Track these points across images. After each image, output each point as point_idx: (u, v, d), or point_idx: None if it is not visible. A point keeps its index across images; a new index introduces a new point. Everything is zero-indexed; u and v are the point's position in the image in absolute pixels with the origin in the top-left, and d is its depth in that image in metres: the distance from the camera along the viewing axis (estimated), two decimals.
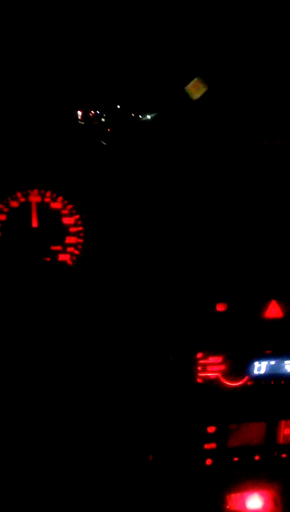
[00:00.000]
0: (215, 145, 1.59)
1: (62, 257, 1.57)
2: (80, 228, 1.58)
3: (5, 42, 1.43)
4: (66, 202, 1.56)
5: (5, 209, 1.53)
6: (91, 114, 1.70)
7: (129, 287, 1.43)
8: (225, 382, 1.39)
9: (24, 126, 1.57)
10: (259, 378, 1.41)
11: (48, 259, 1.51)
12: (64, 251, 1.58)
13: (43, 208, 1.54)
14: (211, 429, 1.41)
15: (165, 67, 1.58)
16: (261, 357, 1.40)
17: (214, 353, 1.38)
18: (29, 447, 1.33)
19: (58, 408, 1.34)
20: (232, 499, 1.48)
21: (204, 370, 1.38)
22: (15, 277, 1.49)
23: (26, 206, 1.54)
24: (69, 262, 1.57)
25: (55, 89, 1.58)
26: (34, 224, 1.52)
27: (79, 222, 1.58)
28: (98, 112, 1.68)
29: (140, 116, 1.69)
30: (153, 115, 1.67)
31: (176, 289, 1.41)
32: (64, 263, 1.53)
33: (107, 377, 1.38)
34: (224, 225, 1.53)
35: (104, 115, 1.69)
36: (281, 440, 1.47)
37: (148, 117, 1.69)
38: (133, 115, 1.70)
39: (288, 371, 1.42)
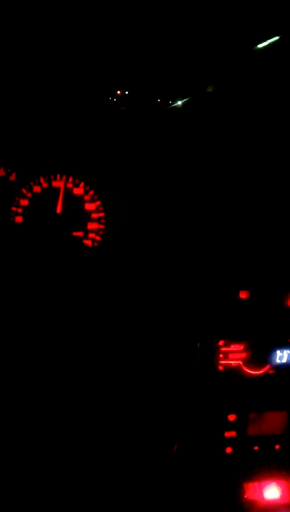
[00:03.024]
0: (243, 135, 1.58)
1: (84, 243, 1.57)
2: (102, 214, 1.57)
3: (39, 27, 1.43)
4: (88, 188, 1.56)
5: (28, 194, 1.53)
6: (117, 98, 1.70)
7: (151, 274, 1.43)
8: (247, 371, 1.38)
9: (48, 112, 1.57)
10: (281, 367, 1.40)
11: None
12: (85, 237, 1.58)
13: (66, 194, 1.54)
14: (231, 417, 1.40)
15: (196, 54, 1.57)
16: (283, 345, 1.38)
17: (236, 340, 1.36)
18: (53, 437, 1.33)
19: (83, 395, 1.34)
20: (250, 488, 1.48)
21: (226, 357, 1.37)
22: (37, 261, 1.50)
23: (49, 191, 1.54)
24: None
25: (84, 74, 1.57)
26: (59, 210, 1.52)
27: (101, 208, 1.57)
28: (125, 93, 1.67)
29: (170, 102, 1.67)
30: (183, 101, 1.66)
31: (198, 276, 1.40)
32: (87, 246, 1.53)
33: (128, 364, 1.38)
34: (248, 213, 1.51)
35: (131, 99, 1.68)
36: None
37: (179, 103, 1.67)
38: (160, 100, 1.69)
39: None
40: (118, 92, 1.65)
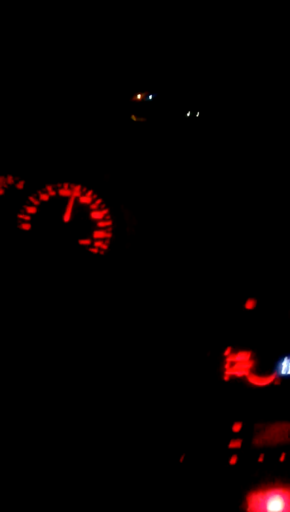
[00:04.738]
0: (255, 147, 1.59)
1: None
2: (109, 223, 1.58)
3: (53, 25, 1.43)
4: (95, 196, 1.56)
5: (36, 202, 1.54)
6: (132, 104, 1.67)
7: (158, 283, 1.43)
8: (252, 382, 1.38)
9: (54, 120, 1.58)
10: (287, 377, 1.40)
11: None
12: (92, 245, 1.58)
13: (74, 202, 1.55)
14: (236, 427, 1.40)
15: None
16: None
17: (242, 350, 1.37)
18: (53, 441, 1.33)
19: (87, 403, 1.34)
20: (253, 500, 1.47)
21: (232, 367, 1.37)
22: (44, 268, 1.50)
23: (56, 200, 1.55)
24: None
25: (99, 80, 1.58)
26: (67, 218, 1.53)
27: (108, 217, 1.58)
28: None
29: (188, 113, 1.67)
30: (198, 112, 1.66)
31: (205, 285, 1.40)
32: (96, 254, 1.53)
33: (133, 373, 1.38)
34: (257, 224, 1.52)
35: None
36: None
37: (194, 113, 1.68)
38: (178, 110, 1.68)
39: None
40: (138, 96, 1.64)
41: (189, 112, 1.68)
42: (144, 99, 1.66)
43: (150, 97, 1.67)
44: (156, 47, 1.57)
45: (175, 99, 1.68)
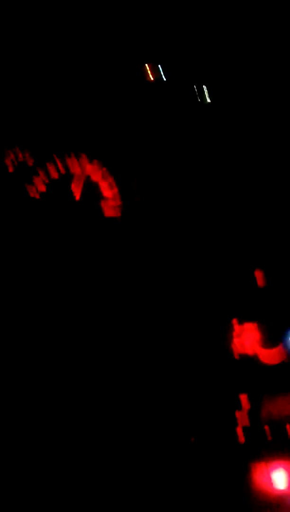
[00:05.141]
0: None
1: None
2: (119, 202, 1.58)
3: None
4: (106, 174, 1.56)
5: (46, 180, 1.54)
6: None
7: (166, 258, 1.43)
8: (263, 360, 1.37)
9: (68, 97, 1.57)
10: None
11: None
12: (102, 225, 1.58)
13: (84, 180, 1.54)
14: (244, 400, 1.40)
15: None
16: None
17: (249, 320, 1.36)
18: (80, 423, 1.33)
19: (100, 382, 1.34)
20: (258, 471, 1.47)
21: (241, 345, 1.37)
22: (55, 247, 1.50)
23: (67, 177, 1.55)
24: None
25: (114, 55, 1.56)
26: (78, 196, 1.52)
27: (118, 195, 1.58)
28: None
29: (201, 98, 1.66)
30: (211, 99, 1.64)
31: (213, 258, 1.40)
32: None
33: (143, 351, 1.38)
34: (263, 203, 1.52)
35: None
36: None
37: (208, 100, 1.66)
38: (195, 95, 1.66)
39: None
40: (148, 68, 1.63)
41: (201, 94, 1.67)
42: (157, 78, 1.65)
43: (163, 75, 1.66)
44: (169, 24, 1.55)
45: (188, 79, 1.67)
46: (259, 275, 1.34)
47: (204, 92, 1.65)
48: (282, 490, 1.50)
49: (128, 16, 1.51)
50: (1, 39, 1.43)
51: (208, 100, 1.66)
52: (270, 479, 1.47)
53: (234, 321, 1.30)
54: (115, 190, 1.52)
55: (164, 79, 1.68)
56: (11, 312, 1.30)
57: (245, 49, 1.58)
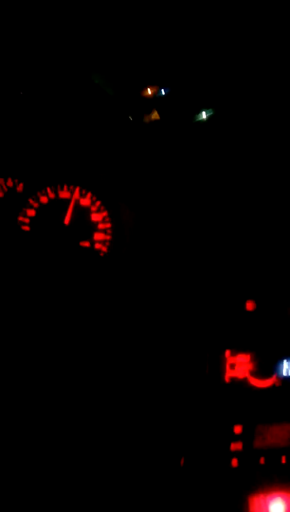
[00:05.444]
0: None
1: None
2: (108, 225, 1.58)
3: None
4: (94, 198, 1.56)
5: (35, 205, 1.54)
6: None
7: (158, 284, 1.43)
8: (253, 383, 1.37)
9: (54, 122, 1.58)
10: (288, 379, 1.39)
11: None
12: (92, 248, 1.58)
13: (73, 205, 1.55)
14: (237, 429, 1.39)
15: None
16: None
17: (243, 351, 1.36)
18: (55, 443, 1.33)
19: (88, 404, 1.33)
20: (255, 502, 1.46)
21: (232, 369, 1.37)
22: (44, 270, 1.50)
23: (56, 202, 1.55)
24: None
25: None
26: (67, 220, 1.52)
27: (107, 219, 1.58)
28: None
29: (195, 115, 1.66)
30: (209, 114, 1.64)
31: (205, 287, 1.40)
32: (98, 251, 1.53)
33: (134, 374, 1.38)
34: (256, 226, 1.52)
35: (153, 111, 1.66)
36: None
37: (203, 116, 1.66)
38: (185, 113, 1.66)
39: None
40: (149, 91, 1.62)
41: (193, 114, 1.67)
42: (155, 95, 1.65)
43: (162, 92, 1.66)
44: (167, 41, 1.55)
45: (182, 100, 1.67)
46: (251, 305, 1.34)
47: (201, 110, 1.65)
48: None
49: (125, 30, 1.52)
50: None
51: (204, 117, 1.66)
52: (267, 506, 1.46)
53: (227, 352, 1.30)
54: (104, 213, 1.52)
55: (163, 94, 1.67)
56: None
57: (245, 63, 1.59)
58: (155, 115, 1.65)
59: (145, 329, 1.40)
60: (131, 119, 1.62)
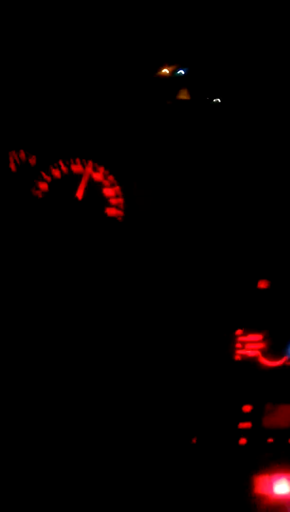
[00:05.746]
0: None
1: None
2: (120, 200, 1.56)
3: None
4: (107, 173, 1.54)
5: (48, 178, 1.52)
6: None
7: (169, 262, 1.41)
8: (264, 362, 1.36)
9: (70, 94, 1.55)
10: None
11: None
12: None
13: (86, 180, 1.53)
14: (247, 408, 1.39)
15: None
16: None
17: (254, 330, 1.35)
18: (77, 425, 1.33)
19: (100, 384, 1.33)
20: (260, 482, 1.46)
21: (243, 348, 1.36)
22: (55, 246, 1.49)
23: (68, 176, 1.53)
24: None
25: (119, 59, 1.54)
26: (80, 195, 1.50)
27: (120, 194, 1.56)
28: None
29: (209, 98, 1.63)
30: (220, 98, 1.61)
31: (217, 266, 1.38)
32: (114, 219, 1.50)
33: (145, 353, 1.37)
34: (269, 204, 1.49)
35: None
36: None
37: (218, 100, 1.63)
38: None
39: None
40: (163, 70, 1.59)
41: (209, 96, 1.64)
42: (172, 75, 1.62)
43: (180, 71, 1.63)
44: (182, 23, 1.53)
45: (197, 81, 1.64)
46: (263, 284, 1.31)
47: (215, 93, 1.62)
48: (283, 496, 1.49)
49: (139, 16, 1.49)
50: (5, 41, 1.42)
51: (218, 100, 1.63)
52: (271, 485, 1.46)
53: (239, 331, 1.28)
54: (117, 188, 1.50)
55: (183, 74, 1.63)
56: (11, 312, 1.30)
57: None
58: (184, 94, 1.63)
59: (156, 306, 1.39)
60: (152, 97, 1.59)
